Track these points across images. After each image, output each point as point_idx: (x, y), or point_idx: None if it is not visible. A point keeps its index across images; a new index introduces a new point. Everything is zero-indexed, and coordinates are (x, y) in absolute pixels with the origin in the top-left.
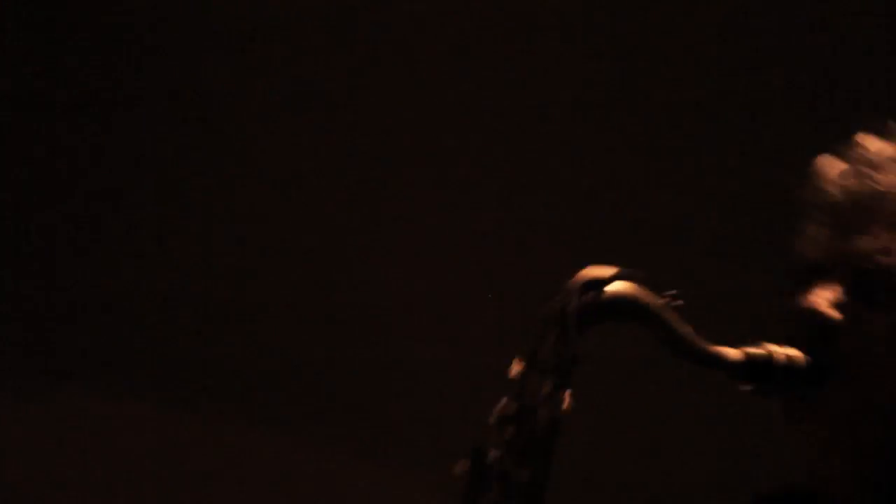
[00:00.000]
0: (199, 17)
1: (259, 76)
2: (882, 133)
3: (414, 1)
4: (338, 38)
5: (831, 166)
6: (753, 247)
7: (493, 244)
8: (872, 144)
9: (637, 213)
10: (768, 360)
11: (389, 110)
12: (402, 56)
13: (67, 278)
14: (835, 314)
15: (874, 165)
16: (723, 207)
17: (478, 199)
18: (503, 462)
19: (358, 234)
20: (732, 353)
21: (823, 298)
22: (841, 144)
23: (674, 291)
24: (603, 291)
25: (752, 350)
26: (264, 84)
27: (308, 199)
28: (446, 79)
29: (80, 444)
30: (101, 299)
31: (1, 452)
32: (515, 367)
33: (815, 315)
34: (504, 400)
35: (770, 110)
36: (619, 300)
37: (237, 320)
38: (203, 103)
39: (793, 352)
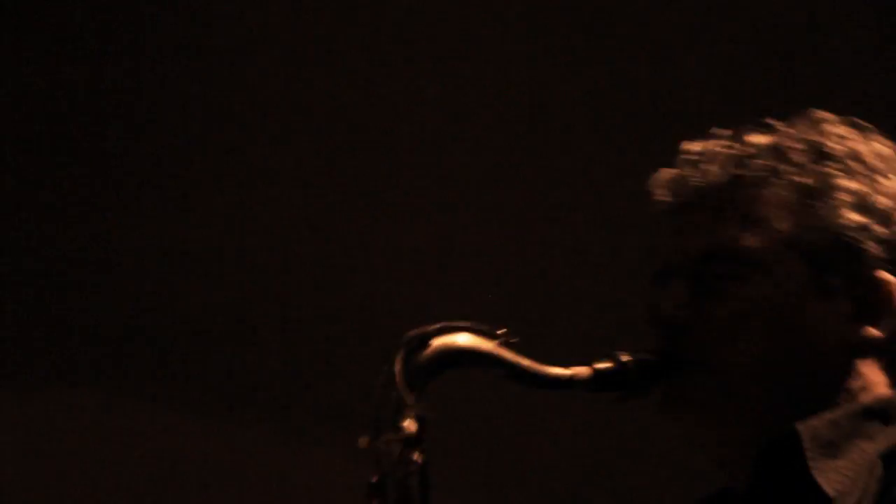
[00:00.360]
0: (199, 18)
1: (259, 81)
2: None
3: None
4: (337, 41)
5: (662, 175)
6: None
7: (492, 244)
8: (690, 146)
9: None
10: (619, 368)
11: (389, 113)
12: (400, 58)
13: (68, 277)
14: (676, 314)
15: (692, 164)
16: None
17: (477, 201)
18: None
19: (358, 234)
20: (581, 370)
21: (667, 300)
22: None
23: (504, 329)
24: (427, 347)
25: (600, 364)
26: (265, 88)
27: (308, 201)
28: (443, 84)
29: (80, 443)
30: (101, 299)
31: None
32: (362, 442)
33: (661, 318)
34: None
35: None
36: (446, 352)
37: (237, 320)
38: (202, 104)
39: (643, 354)
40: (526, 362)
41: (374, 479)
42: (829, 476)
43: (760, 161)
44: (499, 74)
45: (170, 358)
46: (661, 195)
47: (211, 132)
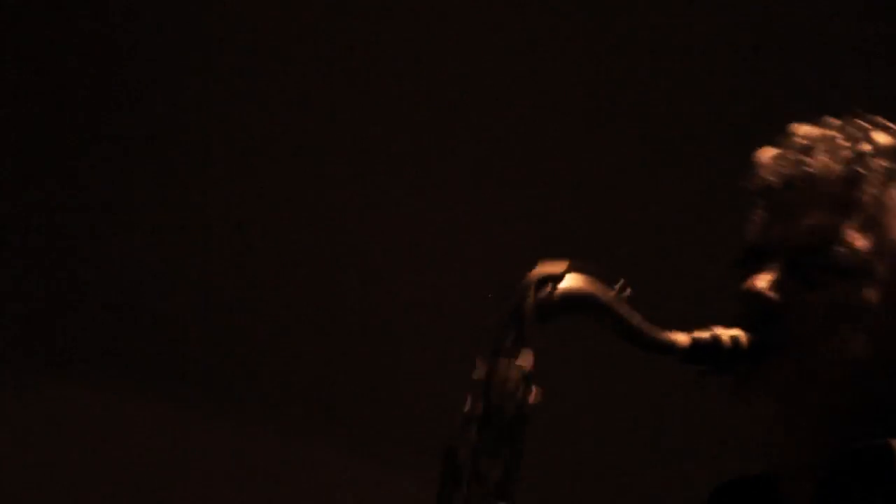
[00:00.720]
0: (198, 18)
1: (260, 81)
2: (816, 122)
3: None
4: (334, 41)
5: (766, 154)
6: (712, 237)
7: (492, 244)
8: (802, 130)
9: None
10: (714, 342)
11: (390, 112)
12: (396, 60)
13: (67, 276)
14: (773, 295)
15: (804, 149)
16: (681, 199)
17: (477, 200)
18: (474, 461)
19: (358, 235)
20: (681, 338)
21: (763, 281)
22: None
23: (622, 282)
24: (556, 287)
25: (699, 334)
26: (265, 88)
27: (307, 201)
28: (442, 85)
29: (79, 441)
30: (101, 297)
31: None
32: (480, 368)
33: (756, 297)
34: (470, 400)
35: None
36: (573, 295)
37: (237, 319)
38: (199, 104)
39: (737, 332)
40: (636, 320)
41: (474, 408)
42: None
43: (883, 162)
44: (496, 79)
45: (168, 353)
46: (767, 174)
47: (209, 126)
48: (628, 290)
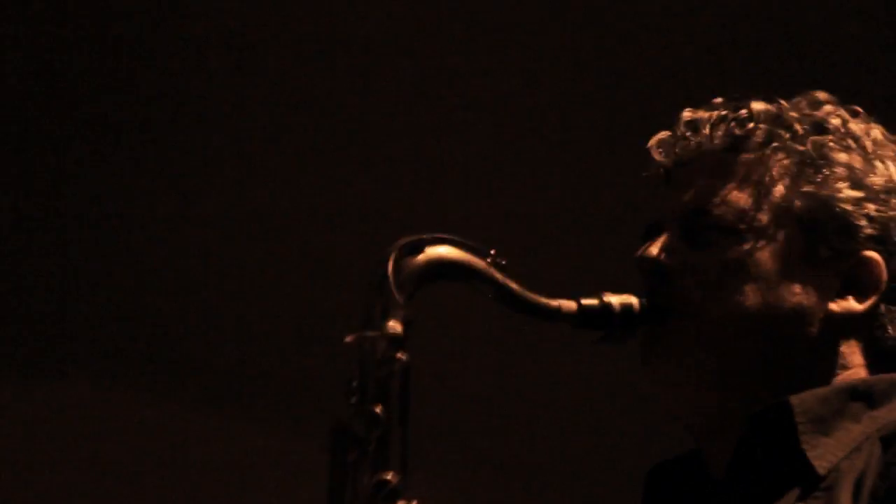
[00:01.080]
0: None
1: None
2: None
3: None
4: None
5: (657, 137)
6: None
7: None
8: (689, 112)
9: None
10: (603, 307)
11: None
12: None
13: (66, 275)
14: (663, 258)
15: (690, 127)
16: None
17: (471, 199)
18: (358, 429)
19: (358, 234)
20: (567, 304)
21: (655, 247)
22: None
23: (493, 251)
24: (420, 253)
25: (587, 300)
26: (260, 89)
27: (307, 201)
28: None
29: (78, 441)
30: (100, 296)
31: None
32: (348, 338)
33: (648, 261)
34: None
35: None
36: (438, 262)
37: (236, 317)
38: (199, 103)
39: (628, 297)
40: (514, 285)
41: (353, 381)
42: (819, 452)
43: (762, 126)
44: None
45: (167, 351)
46: (658, 155)
47: (210, 127)
48: (502, 260)
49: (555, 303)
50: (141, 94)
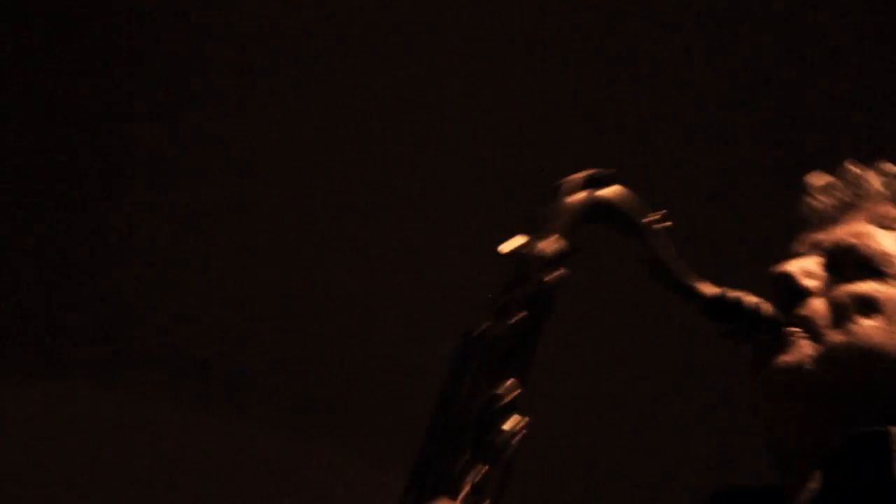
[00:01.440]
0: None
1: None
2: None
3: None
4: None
5: (818, 179)
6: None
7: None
8: (854, 166)
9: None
10: (737, 301)
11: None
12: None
13: (66, 274)
14: (801, 277)
15: (855, 181)
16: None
17: (472, 199)
18: (494, 332)
19: (358, 234)
20: (708, 288)
21: (795, 265)
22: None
23: (664, 212)
24: (600, 190)
25: (727, 291)
26: (259, 85)
27: (306, 200)
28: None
29: (78, 440)
30: (98, 295)
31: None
32: (505, 246)
33: (784, 277)
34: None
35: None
36: (613, 203)
37: (237, 318)
38: (201, 104)
39: (764, 302)
40: (665, 253)
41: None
42: None
43: None
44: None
45: (166, 350)
46: (820, 195)
47: (209, 124)
48: (668, 223)
49: (699, 283)
50: (142, 94)
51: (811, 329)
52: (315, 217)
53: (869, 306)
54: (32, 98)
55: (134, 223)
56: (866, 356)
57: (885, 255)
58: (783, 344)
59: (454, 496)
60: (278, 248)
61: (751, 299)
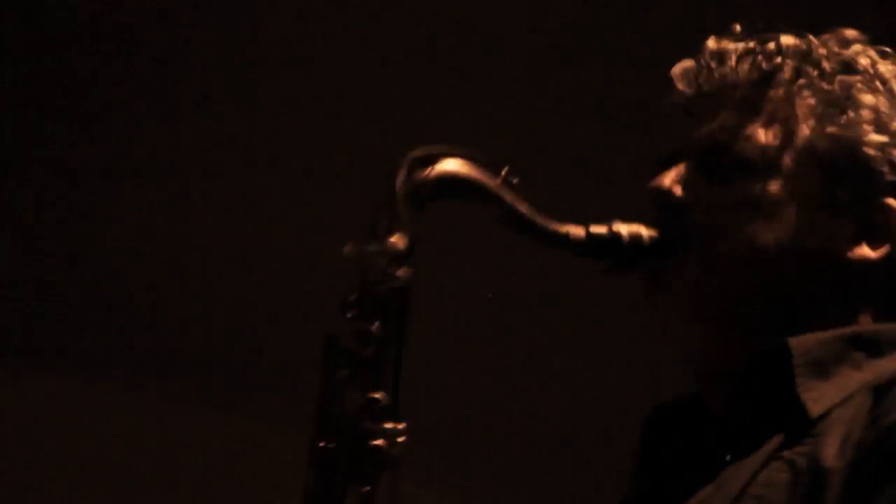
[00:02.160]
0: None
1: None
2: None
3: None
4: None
5: (680, 66)
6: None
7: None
8: (714, 41)
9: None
10: (612, 235)
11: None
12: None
13: (66, 273)
14: (678, 191)
15: (716, 58)
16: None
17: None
18: (354, 341)
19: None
20: (576, 230)
21: (669, 178)
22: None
23: (506, 169)
24: (432, 168)
25: (596, 227)
26: (257, 85)
27: (305, 200)
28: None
29: (78, 440)
30: (99, 294)
31: None
32: (347, 249)
33: (661, 193)
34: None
35: None
36: (448, 177)
37: (236, 318)
38: (201, 103)
39: (638, 227)
40: (524, 208)
41: (352, 296)
42: (814, 396)
43: (790, 62)
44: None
45: (165, 349)
46: (681, 84)
47: (209, 124)
48: (514, 179)
49: (563, 228)
50: (143, 93)
51: (695, 243)
52: (315, 217)
53: (750, 209)
54: (32, 96)
55: (135, 224)
56: (756, 261)
57: (759, 149)
58: (670, 266)
59: None
60: (281, 250)
61: (624, 229)
